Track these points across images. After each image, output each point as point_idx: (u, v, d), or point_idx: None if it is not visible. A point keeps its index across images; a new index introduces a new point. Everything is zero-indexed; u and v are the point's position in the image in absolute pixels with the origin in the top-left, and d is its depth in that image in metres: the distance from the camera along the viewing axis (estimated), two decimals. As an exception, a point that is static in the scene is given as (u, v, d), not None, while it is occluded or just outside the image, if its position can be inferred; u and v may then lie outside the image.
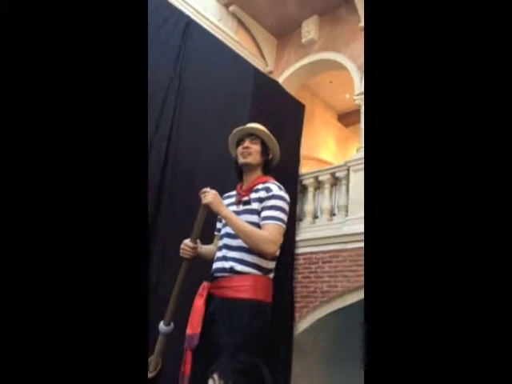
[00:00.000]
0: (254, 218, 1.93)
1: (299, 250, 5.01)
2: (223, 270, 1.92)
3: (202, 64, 4.27)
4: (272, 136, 2.10)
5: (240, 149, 2.07)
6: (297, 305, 4.84)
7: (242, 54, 6.19)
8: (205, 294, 1.90)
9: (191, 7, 5.75)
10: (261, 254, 1.87)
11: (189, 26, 4.28)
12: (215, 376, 1.37)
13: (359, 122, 5.58)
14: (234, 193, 2.13)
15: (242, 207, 2.00)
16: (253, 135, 2.09)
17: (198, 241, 1.91)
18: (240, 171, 2.12)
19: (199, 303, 1.89)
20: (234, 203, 2.05)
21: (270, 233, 1.86)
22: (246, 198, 2.01)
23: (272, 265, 1.96)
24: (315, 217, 5.22)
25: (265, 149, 2.09)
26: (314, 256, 4.87)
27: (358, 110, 5.59)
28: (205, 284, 1.94)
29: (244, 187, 2.07)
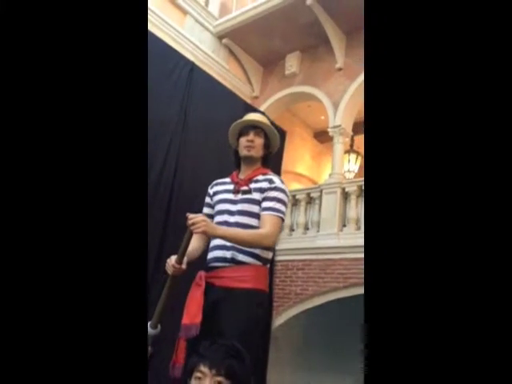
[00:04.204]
0: (254, 208, 1.93)
1: (278, 258, 5.89)
2: (224, 259, 1.89)
3: (202, 100, 5.10)
4: (274, 129, 2.10)
5: (244, 141, 2.03)
6: (274, 304, 5.73)
7: (231, 81, 7.05)
8: (203, 283, 1.85)
9: (188, 40, 6.52)
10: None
11: (192, 70, 5.09)
12: (203, 369, 1.29)
13: (332, 140, 6.46)
14: (227, 180, 2.10)
15: (240, 196, 1.98)
16: (256, 127, 2.06)
17: (185, 259, 1.81)
18: (238, 160, 2.10)
19: (198, 293, 1.83)
20: (231, 191, 2.02)
21: (269, 226, 1.87)
22: (245, 188, 1.98)
23: (270, 255, 1.97)
24: (292, 230, 6.11)
25: (267, 142, 2.07)
26: (289, 263, 5.76)
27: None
28: (202, 273, 1.89)
29: (242, 177, 2.04)
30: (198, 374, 1.30)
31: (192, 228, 1.73)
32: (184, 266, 1.81)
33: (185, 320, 1.80)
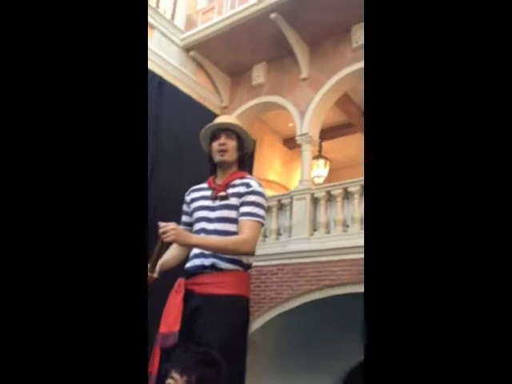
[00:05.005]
0: (233, 214, 1.89)
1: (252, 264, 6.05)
2: (203, 267, 1.85)
3: (172, 112, 5.25)
4: (246, 130, 2.06)
5: (216, 145, 1.98)
6: (250, 309, 5.88)
7: (200, 92, 7.20)
8: (182, 290, 1.81)
9: (156, 54, 6.62)
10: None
11: (161, 84, 5.24)
12: (175, 375, 1.29)
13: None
14: (204, 186, 2.06)
15: (218, 202, 1.93)
16: (228, 130, 2.00)
17: (157, 268, 1.81)
18: (213, 165, 2.04)
19: (177, 300, 1.80)
20: (209, 198, 1.97)
21: (248, 231, 1.82)
22: (223, 193, 1.93)
23: (252, 260, 1.93)
24: (265, 236, 6.28)
25: (240, 144, 2.02)
26: (264, 269, 5.93)
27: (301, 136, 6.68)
28: (181, 280, 1.86)
29: (219, 182, 1.99)
30: (170, 381, 1.30)
31: (162, 237, 1.70)
32: (156, 275, 1.80)
33: (162, 329, 1.77)
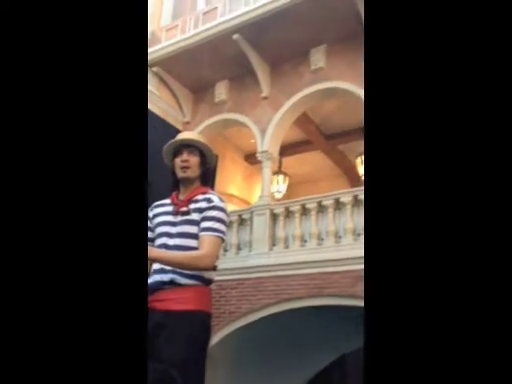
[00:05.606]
0: (194, 229, 1.91)
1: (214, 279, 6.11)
2: (162, 283, 1.86)
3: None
4: (209, 145, 2.08)
5: (179, 162, 2.00)
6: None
7: (163, 107, 7.28)
8: None
9: (120, 68, 6.67)
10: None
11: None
12: None
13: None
14: (167, 201, 2.07)
15: (180, 218, 1.95)
16: (191, 146, 2.03)
17: None
18: (176, 180, 2.06)
19: None
20: (171, 213, 1.99)
21: (207, 246, 1.83)
22: (184, 209, 1.96)
23: (213, 275, 1.94)
24: (225, 250, 6.38)
25: (203, 160, 2.05)
26: (224, 283, 6.01)
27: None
28: None
29: (182, 197, 2.01)
30: None
31: None
32: None
33: None
